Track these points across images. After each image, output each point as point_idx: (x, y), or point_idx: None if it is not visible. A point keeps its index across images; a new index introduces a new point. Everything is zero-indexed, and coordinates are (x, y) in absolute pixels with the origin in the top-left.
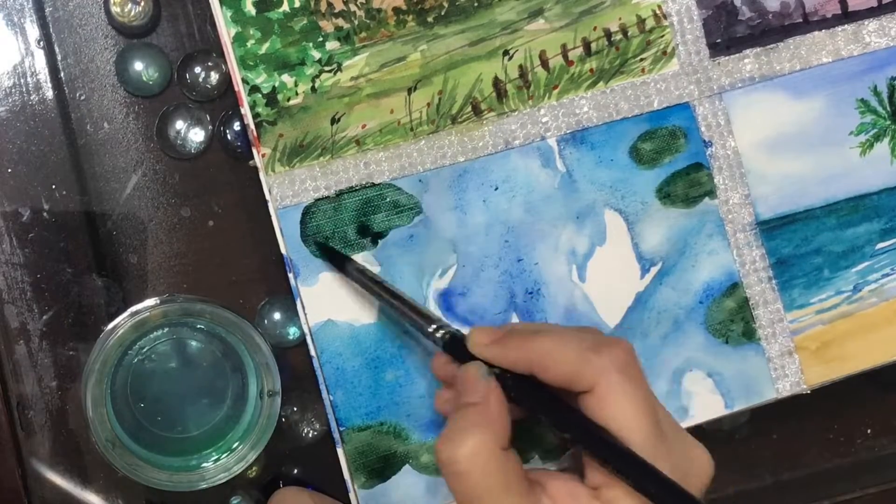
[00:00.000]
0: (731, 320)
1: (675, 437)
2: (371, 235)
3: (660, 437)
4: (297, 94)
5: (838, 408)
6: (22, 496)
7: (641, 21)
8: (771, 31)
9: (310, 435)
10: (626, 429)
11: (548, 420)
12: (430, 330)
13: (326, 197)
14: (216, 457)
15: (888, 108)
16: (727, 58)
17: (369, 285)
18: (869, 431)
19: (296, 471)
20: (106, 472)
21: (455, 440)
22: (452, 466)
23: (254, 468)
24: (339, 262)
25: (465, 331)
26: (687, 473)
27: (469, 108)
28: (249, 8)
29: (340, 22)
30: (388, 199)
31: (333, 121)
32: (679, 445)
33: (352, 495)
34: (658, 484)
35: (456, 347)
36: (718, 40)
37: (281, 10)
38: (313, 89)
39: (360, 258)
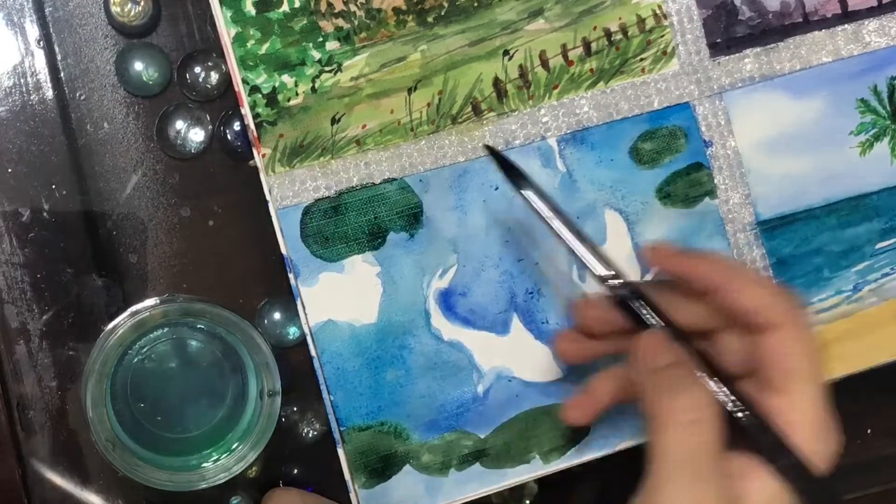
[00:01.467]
0: None
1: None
2: (371, 235)
3: (824, 439)
4: (297, 94)
5: (838, 408)
6: (22, 496)
7: (641, 21)
8: (771, 31)
9: (310, 435)
10: (804, 377)
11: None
12: (603, 275)
13: (327, 197)
14: (216, 457)
15: (888, 108)
16: (727, 57)
17: (544, 213)
18: (869, 431)
19: (296, 471)
20: (106, 472)
21: (679, 390)
22: (686, 415)
23: (254, 468)
24: (514, 177)
25: (467, 331)
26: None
27: (469, 108)
28: (249, 8)
29: (340, 22)
30: (388, 200)
31: (334, 121)
32: (827, 434)
33: (352, 495)
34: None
35: (627, 305)
36: (718, 40)
37: (281, 10)
38: (313, 89)
39: (361, 259)
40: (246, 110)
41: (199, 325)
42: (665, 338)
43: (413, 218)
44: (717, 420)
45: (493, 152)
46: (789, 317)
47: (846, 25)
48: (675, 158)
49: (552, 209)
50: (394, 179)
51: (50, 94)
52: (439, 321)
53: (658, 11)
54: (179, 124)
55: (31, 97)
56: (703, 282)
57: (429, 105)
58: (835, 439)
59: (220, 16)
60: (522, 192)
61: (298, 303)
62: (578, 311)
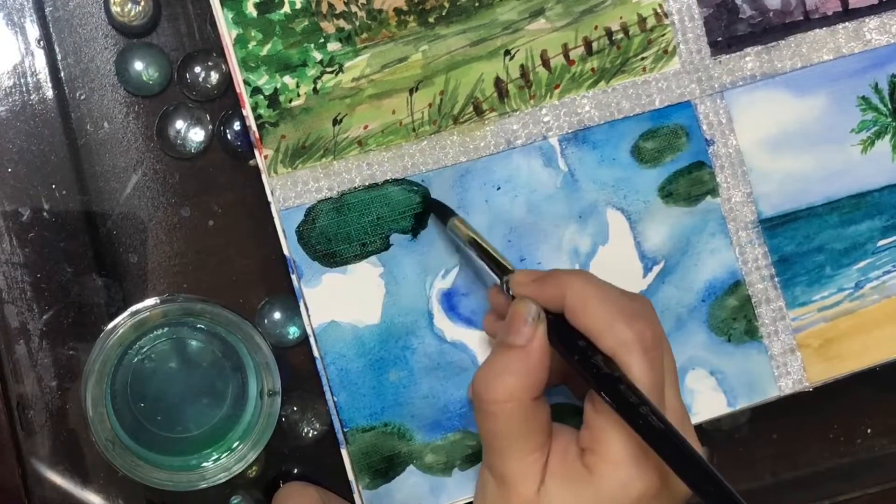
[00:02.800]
0: (734, 318)
1: (678, 426)
2: (374, 236)
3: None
4: (298, 95)
5: (838, 408)
6: (22, 496)
7: (642, 20)
8: (772, 29)
9: (310, 435)
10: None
11: (570, 353)
12: (505, 279)
13: (329, 198)
14: (216, 457)
15: (889, 106)
16: (728, 56)
17: (460, 238)
18: (869, 431)
19: (296, 471)
20: (106, 472)
21: (490, 382)
22: (482, 405)
23: (254, 468)
24: (442, 215)
25: (469, 332)
26: None
27: (471, 109)
28: (251, 10)
29: (342, 23)
30: (390, 200)
31: (335, 122)
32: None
33: (356, 496)
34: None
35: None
36: (719, 38)
37: (282, 11)
38: (315, 90)
39: (364, 261)
40: (248, 111)
41: (199, 325)
42: (524, 311)
43: (416, 218)
44: (522, 422)
45: (427, 200)
46: (619, 344)
47: (847, 23)
48: (676, 157)
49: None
50: (396, 180)
51: (50, 94)
52: (442, 322)
53: (659, 10)
54: (179, 124)
55: (31, 97)
56: (553, 305)
57: (430, 105)
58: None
59: (222, 17)
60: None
61: (301, 304)
62: (489, 297)
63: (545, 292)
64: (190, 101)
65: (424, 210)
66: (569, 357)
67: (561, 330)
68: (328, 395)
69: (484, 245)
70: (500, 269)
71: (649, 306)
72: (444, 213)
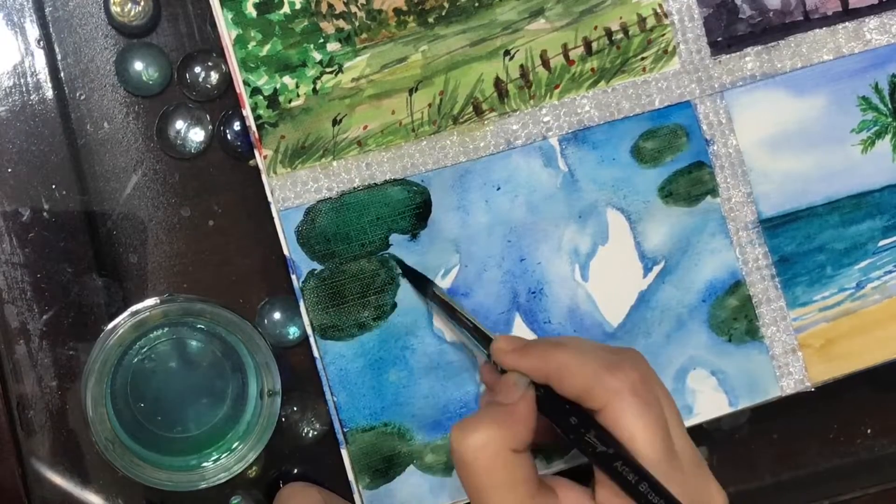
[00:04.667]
0: (735, 318)
1: (691, 467)
2: (373, 237)
3: (672, 460)
4: (298, 95)
5: (838, 408)
6: (22, 496)
7: (642, 20)
8: (772, 29)
9: (310, 435)
10: (638, 448)
11: (564, 431)
12: (488, 352)
13: (328, 198)
14: (216, 457)
15: (889, 106)
16: (728, 56)
17: (442, 308)
18: (869, 431)
19: (296, 471)
20: (106, 472)
21: (467, 430)
22: (457, 454)
23: (254, 468)
24: (419, 283)
25: None
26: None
27: (470, 109)
28: (250, 10)
29: (341, 23)
30: (390, 200)
31: (335, 122)
32: (694, 477)
33: (356, 496)
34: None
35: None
36: (719, 38)
37: (282, 11)
38: (315, 91)
39: (364, 261)
40: (247, 112)
41: (199, 325)
42: (515, 379)
43: (415, 219)
44: (502, 472)
45: (401, 266)
46: (610, 393)
47: (847, 23)
48: (676, 157)
49: (449, 306)
50: (396, 180)
51: (50, 94)
52: (442, 322)
53: (659, 10)
54: (179, 124)
55: (31, 97)
56: (535, 376)
57: (430, 105)
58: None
59: (221, 18)
60: (427, 290)
61: (301, 304)
62: (481, 374)
63: (526, 363)
64: (190, 101)
65: (423, 212)
66: (564, 434)
67: (552, 401)
68: (328, 395)
69: (464, 316)
70: (483, 338)
71: (636, 354)
72: (420, 282)
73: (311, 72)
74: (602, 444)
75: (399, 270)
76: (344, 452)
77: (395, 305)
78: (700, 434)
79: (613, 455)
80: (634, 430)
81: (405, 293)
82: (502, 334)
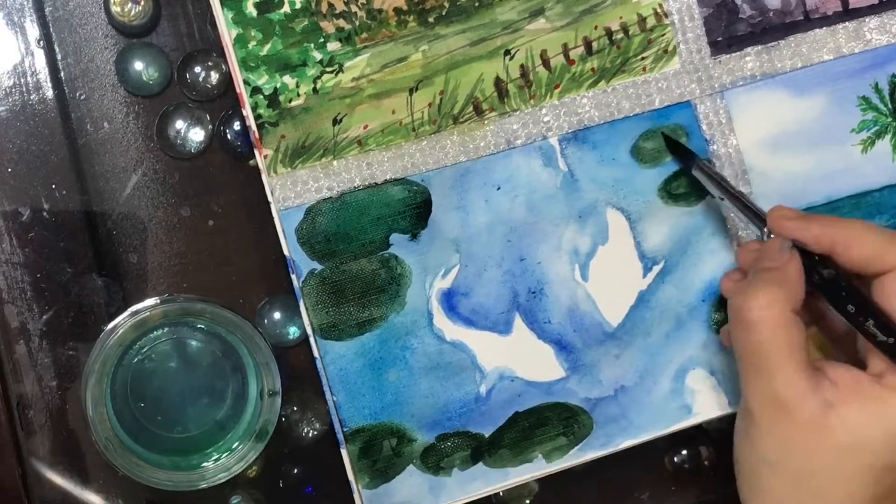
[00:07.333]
0: None
1: None
2: (374, 236)
3: None
4: (298, 95)
5: None
6: (22, 496)
7: (642, 20)
8: (772, 29)
9: (310, 435)
10: None
11: (834, 302)
12: (763, 226)
13: (329, 198)
14: (216, 456)
15: (889, 106)
16: (728, 56)
17: (713, 181)
18: None
19: (296, 471)
20: (106, 472)
21: (750, 292)
22: (745, 313)
23: (254, 468)
24: (683, 156)
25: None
26: None
27: (470, 108)
28: (250, 9)
29: (341, 23)
30: (390, 200)
31: (335, 121)
32: None
33: (356, 495)
34: None
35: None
36: (719, 38)
37: (282, 11)
38: (315, 90)
39: (364, 260)
40: (248, 111)
41: (199, 325)
42: (778, 243)
43: (415, 218)
44: (784, 334)
45: (668, 140)
46: None
47: (847, 23)
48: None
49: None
50: (396, 180)
51: (50, 93)
52: (442, 321)
53: (659, 10)
54: (179, 124)
55: (31, 97)
56: (817, 246)
57: (430, 105)
58: None
59: (222, 17)
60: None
61: (301, 304)
62: (737, 255)
63: (812, 229)
64: (190, 101)
65: (424, 211)
66: (836, 300)
67: (826, 272)
68: (328, 395)
69: (735, 192)
70: (753, 212)
71: None
72: (686, 156)
73: (312, 71)
74: (882, 331)
75: (400, 270)
76: (344, 452)
77: (395, 305)
78: (700, 434)
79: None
80: None
81: (405, 292)
82: (777, 205)
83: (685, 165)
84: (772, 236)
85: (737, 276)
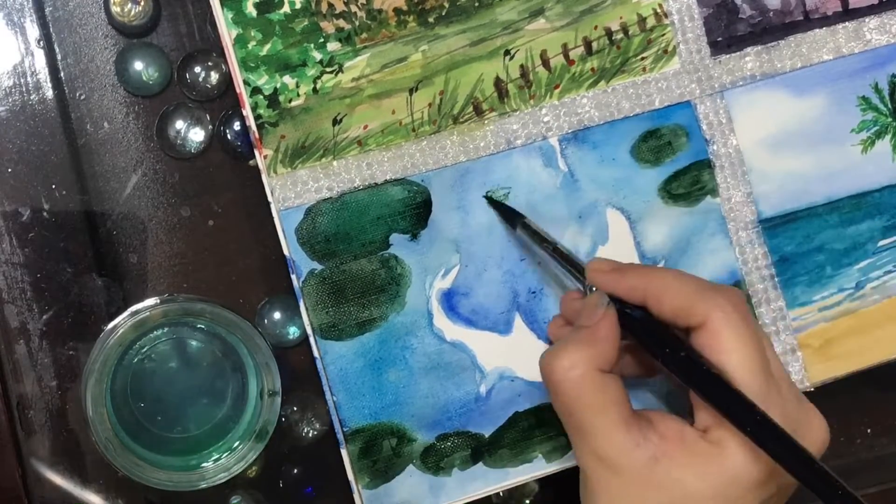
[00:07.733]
0: None
1: (789, 390)
2: (374, 236)
3: (770, 381)
4: (298, 95)
5: (838, 408)
6: (22, 496)
7: (642, 20)
8: (772, 29)
9: (310, 435)
10: (736, 366)
11: (658, 355)
12: (583, 279)
13: (329, 198)
14: (216, 456)
15: (889, 106)
16: (728, 56)
17: (534, 239)
18: (869, 431)
19: (296, 471)
20: (106, 472)
21: (556, 353)
22: (548, 379)
23: (254, 468)
24: (509, 217)
25: (469, 331)
26: (797, 430)
27: (470, 108)
28: (250, 10)
29: (341, 23)
30: (390, 200)
31: (335, 122)
32: (792, 400)
33: (356, 495)
34: (765, 428)
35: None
36: (719, 38)
37: (282, 11)
38: (315, 90)
39: (364, 260)
40: (247, 111)
41: (199, 325)
42: (595, 300)
43: (415, 218)
44: (593, 392)
45: (491, 201)
46: (711, 310)
47: (847, 23)
48: (676, 157)
49: (539, 236)
50: (396, 180)
51: (50, 94)
52: (442, 321)
53: (659, 10)
54: (179, 124)
55: (31, 97)
56: (632, 298)
57: (430, 105)
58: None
59: (221, 17)
60: (516, 223)
61: (301, 304)
62: (561, 304)
63: (625, 282)
64: (190, 101)
65: (424, 211)
66: (657, 357)
67: (646, 323)
68: (328, 395)
69: (557, 246)
70: (574, 266)
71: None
72: (511, 216)
73: (312, 71)
74: (697, 365)
75: (400, 270)
76: (344, 452)
77: (395, 305)
78: None
79: (714, 376)
80: (735, 344)
81: (405, 292)
82: (596, 258)
83: (511, 224)
84: (593, 289)
85: (560, 321)
